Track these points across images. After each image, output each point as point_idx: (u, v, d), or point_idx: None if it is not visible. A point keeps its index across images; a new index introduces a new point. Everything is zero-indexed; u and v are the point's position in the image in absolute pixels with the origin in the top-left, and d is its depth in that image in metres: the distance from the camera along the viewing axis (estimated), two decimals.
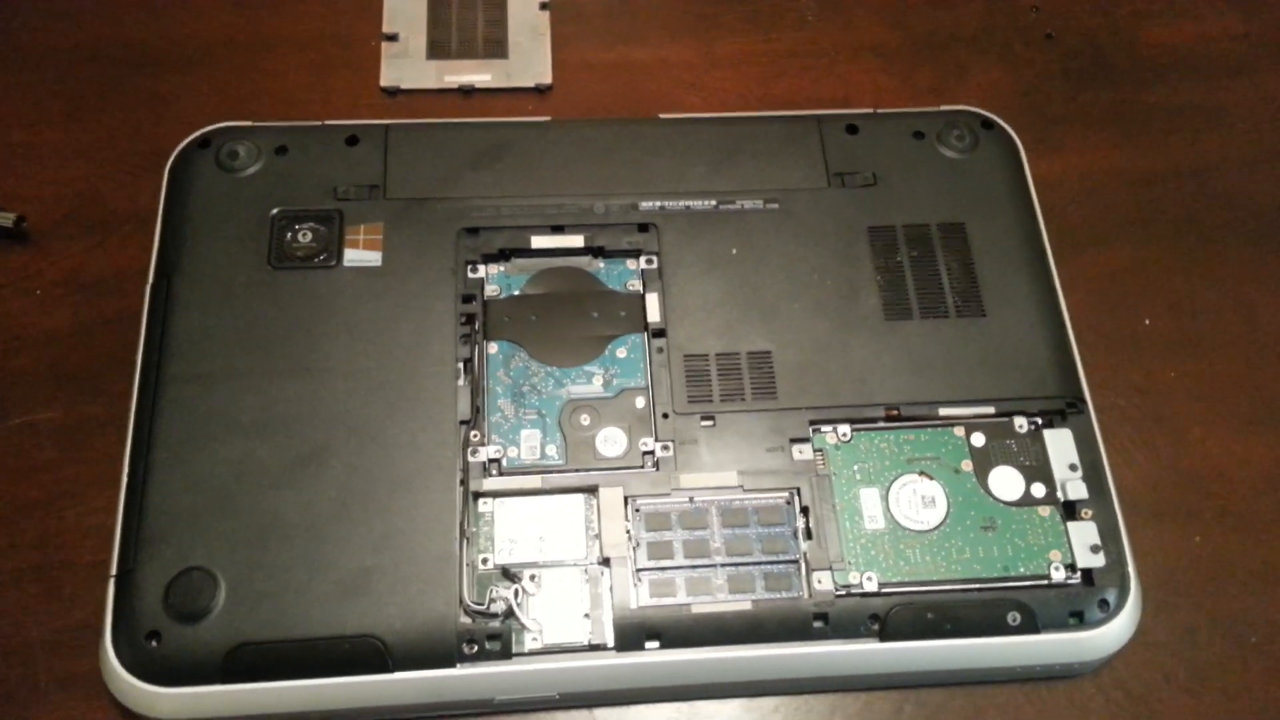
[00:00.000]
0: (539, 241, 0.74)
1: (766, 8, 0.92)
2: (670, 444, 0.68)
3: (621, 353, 0.71)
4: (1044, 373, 0.71)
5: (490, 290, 0.72)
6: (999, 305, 0.73)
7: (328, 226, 0.73)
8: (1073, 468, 0.68)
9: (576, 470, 0.67)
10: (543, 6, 0.90)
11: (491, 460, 0.67)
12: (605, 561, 0.65)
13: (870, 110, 0.81)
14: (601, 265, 0.74)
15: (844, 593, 0.65)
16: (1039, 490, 0.68)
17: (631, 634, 0.63)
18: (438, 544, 0.64)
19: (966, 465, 0.68)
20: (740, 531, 0.66)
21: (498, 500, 0.67)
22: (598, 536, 0.66)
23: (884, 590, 0.65)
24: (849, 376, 0.70)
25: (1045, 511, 0.67)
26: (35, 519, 0.69)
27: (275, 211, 0.73)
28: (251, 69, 0.86)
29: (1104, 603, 0.65)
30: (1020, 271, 0.74)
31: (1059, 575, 0.65)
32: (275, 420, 0.66)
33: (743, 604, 0.64)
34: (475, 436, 0.67)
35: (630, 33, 0.90)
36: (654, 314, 0.72)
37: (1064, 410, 0.70)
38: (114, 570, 0.63)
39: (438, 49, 0.88)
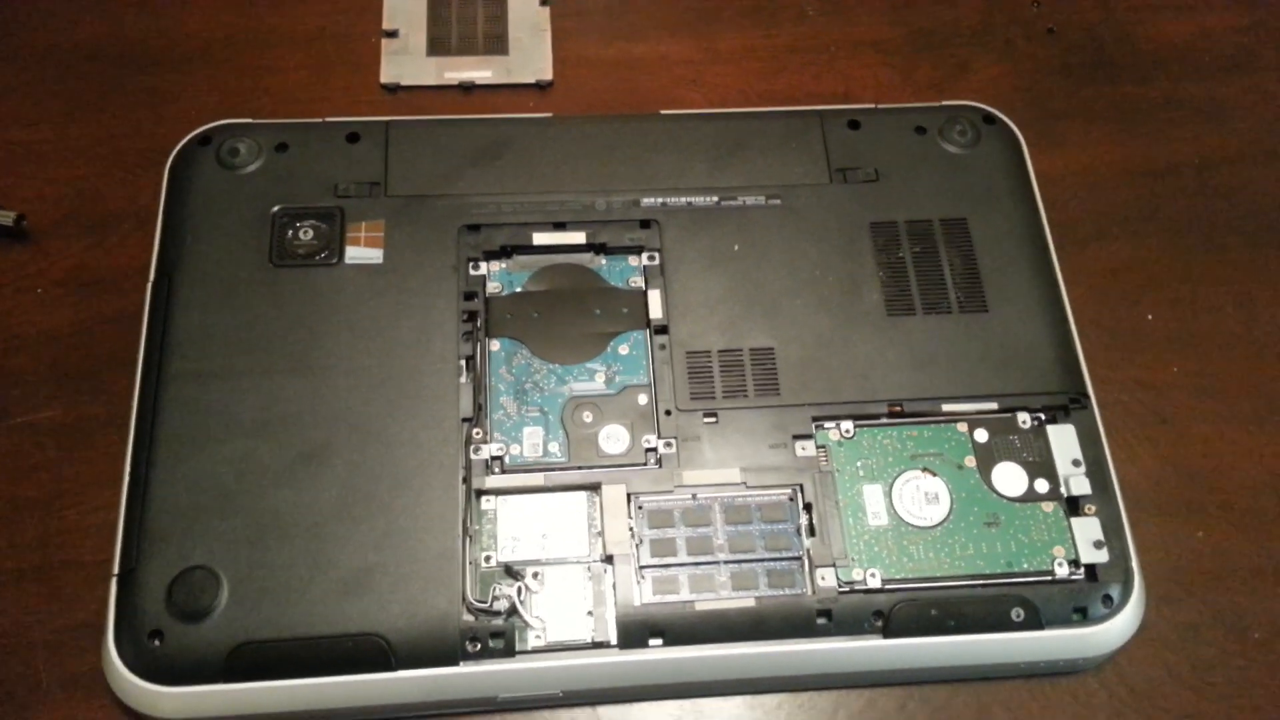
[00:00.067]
0: (540, 238, 0.73)
1: (767, 3, 0.92)
2: (673, 441, 0.68)
3: (624, 349, 0.71)
4: (1047, 368, 0.71)
5: (492, 287, 0.72)
6: (1001, 301, 0.72)
7: (329, 224, 0.72)
8: (1076, 463, 0.68)
9: (579, 468, 0.67)
10: (543, 2, 0.90)
11: (494, 458, 0.67)
12: (608, 559, 0.65)
13: (872, 105, 0.81)
14: (603, 262, 0.74)
15: (847, 589, 0.65)
16: (1042, 486, 0.68)
17: (635, 631, 0.63)
18: (440, 542, 0.64)
19: (970, 461, 0.68)
20: (743, 528, 0.66)
21: (500, 498, 0.66)
22: (600, 534, 0.65)
23: (887, 587, 0.65)
24: (851, 373, 0.70)
25: (1049, 507, 0.67)
26: (36, 518, 0.69)
27: (276, 209, 0.73)
28: (251, 66, 0.86)
29: (1107, 598, 0.65)
30: (1023, 267, 0.74)
31: (1062, 571, 0.65)
32: (277, 418, 0.66)
33: (746, 601, 0.64)
34: (477, 434, 0.67)
35: (631, 28, 0.90)
36: (656, 310, 0.71)
37: (1067, 406, 0.70)
38: (116, 569, 0.63)
39: (438, 45, 0.88)
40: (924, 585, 0.65)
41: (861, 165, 0.77)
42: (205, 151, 0.75)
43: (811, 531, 0.66)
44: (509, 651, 0.62)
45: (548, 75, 0.87)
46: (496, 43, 0.88)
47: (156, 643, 0.61)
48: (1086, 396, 0.70)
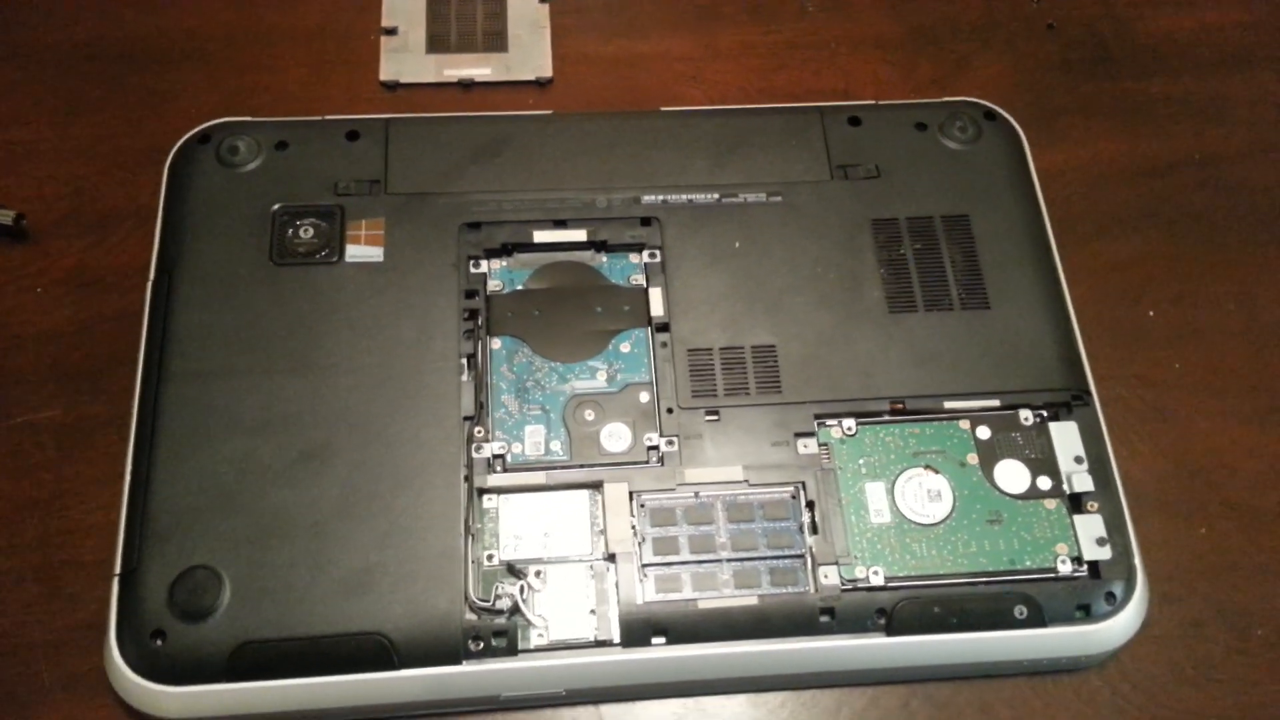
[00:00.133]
0: (541, 236, 0.73)
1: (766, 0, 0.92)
2: (675, 439, 0.68)
3: (625, 347, 0.71)
4: (1049, 365, 0.70)
5: (493, 285, 0.72)
6: (1003, 297, 0.72)
7: (329, 222, 0.72)
8: (1078, 460, 0.68)
9: (581, 466, 0.67)
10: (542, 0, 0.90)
11: (496, 456, 0.67)
12: (611, 557, 0.65)
13: (873, 102, 0.81)
14: (604, 259, 0.74)
15: (850, 587, 0.64)
16: (1045, 483, 0.67)
17: (637, 630, 0.63)
18: (442, 541, 0.64)
19: (972, 458, 0.68)
20: (746, 526, 0.66)
21: (502, 496, 0.66)
22: (603, 532, 0.65)
23: (890, 584, 0.65)
24: (853, 370, 0.70)
25: (1051, 504, 0.67)
26: (36, 518, 0.69)
27: (276, 207, 0.73)
28: (250, 64, 0.86)
29: (1110, 596, 0.65)
30: (1024, 263, 0.74)
31: (1065, 568, 0.65)
32: (278, 417, 0.66)
33: (749, 599, 0.64)
34: (479, 432, 0.67)
35: (630, 25, 0.90)
36: (657, 308, 0.71)
37: (1069, 403, 0.70)
38: (118, 569, 0.63)
39: (437, 43, 0.88)
40: (927, 583, 0.65)
41: (862, 162, 0.77)
42: (205, 150, 0.75)
43: (814, 529, 0.66)
44: (511, 650, 0.62)
45: (547, 72, 0.87)
46: (496, 40, 0.88)
47: (158, 642, 0.61)
48: (1089, 393, 0.70)
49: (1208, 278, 0.81)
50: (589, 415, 0.68)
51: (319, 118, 0.77)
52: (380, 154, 0.75)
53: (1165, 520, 0.72)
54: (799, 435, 0.68)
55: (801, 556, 0.65)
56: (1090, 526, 0.66)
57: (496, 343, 0.70)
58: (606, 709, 0.66)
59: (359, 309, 0.70)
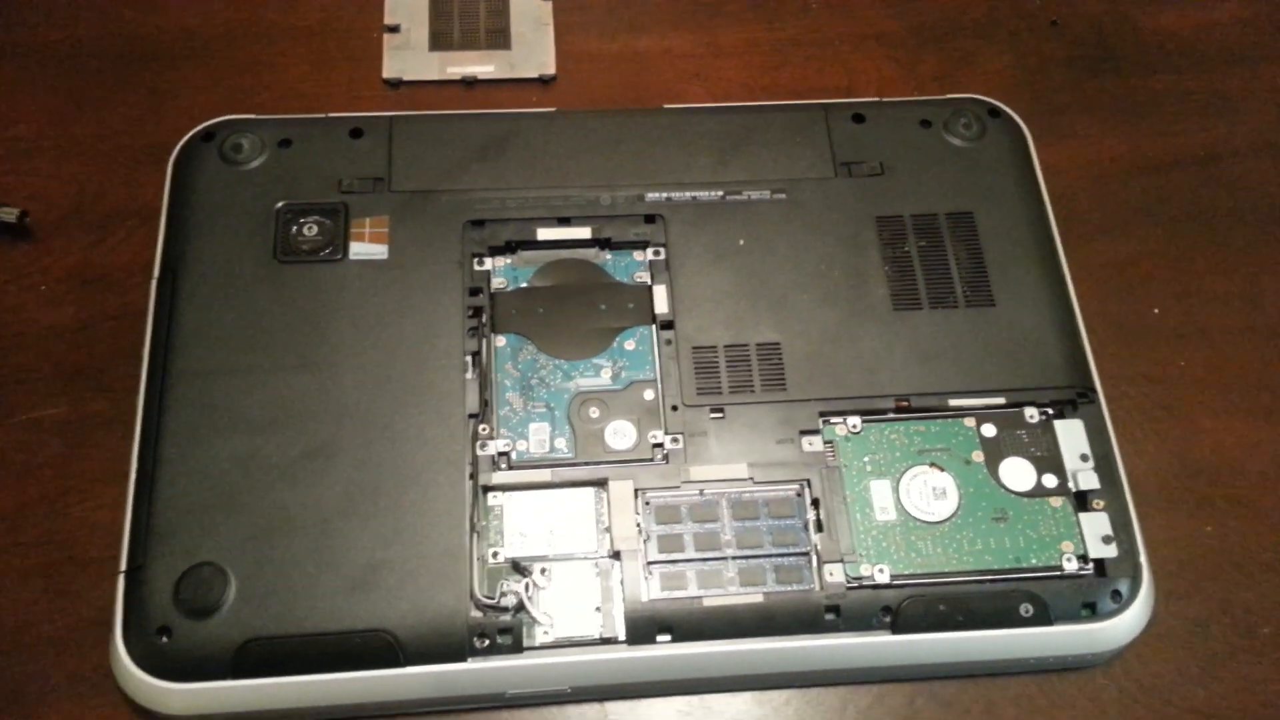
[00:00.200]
0: (545, 233, 0.73)
1: None
2: (680, 436, 0.68)
3: (630, 345, 0.71)
4: (1054, 362, 0.70)
5: (497, 283, 0.72)
6: (1008, 295, 0.72)
7: (333, 220, 0.72)
8: (1084, 458, 0.68)
9: (586, 463, 0.67)
10: None
11: (500, 454, 0.67)
12: (616, 555, 0.65)
13: (876, 99, 0.81)
14: (608, 257, 0.74)
15: (855, 585, 0.64)
16: (1050, 481, 0.67)
17: (643, 627, 0.63)
18: (447, 538, 0.64)
19: (977, 456, 0.68)
20: (751, 524, 0.66)
21: (507, 494, 0.66)
22: (608, 530, 0.65)
23: (896, 582, 0.65)
24: (858, 367, 0.70)
25: (1057, 502, 0.67)
26: (41, 515, 0.69)
27: (280, 205, 0.72)
28: (253, 62, 0.86)
29: (1116, 594, 0.65)
30: (1029, 261, 0.74)
31: (1071, 566, 0.65)
32: (283, 415, 0.66)
33: (754, 597, 0.64)
34: (484, 430, 0.67)
35: (633, 22, 0.90)
36: (662, 306, 0.71)
37: (1075, 400, 0.70)
38: (124, 566, 0.63)
39: (440, 40, 0.87)
40: (932, 581, 0.65)
41: (866, 159, 0.77)
42: (208, 148, 0.75)
43: (819, 527, 0.66)
44: (517, 648, 0.62)
45: (551, 70, 0.87)
46: (499, 37, 0.88)
47: (164, 639, 0.61)
48: (1094, 391, 0.70)
49: (1213, 275, 0.81)
50: (594, 413, 0.68)
51: (322, 115, 0.77)
52: (384, 152, 0.75)
53: (1171, 518, 0.72)
54: (804, 433, 0.68)
55: (806, 554, 0.65)
56: (1096, 524, 0.66)
57: (501, 340, 0.70)
58: (612, 707, 0.66)
59: (363, 307, 0.70)
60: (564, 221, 0.74)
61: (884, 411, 0.69)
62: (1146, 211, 0.83)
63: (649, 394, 0.69)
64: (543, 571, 0.64)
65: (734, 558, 0.65)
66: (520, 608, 0.63)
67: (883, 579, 0.64)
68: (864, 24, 0.91)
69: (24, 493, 0.69)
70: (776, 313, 0.71)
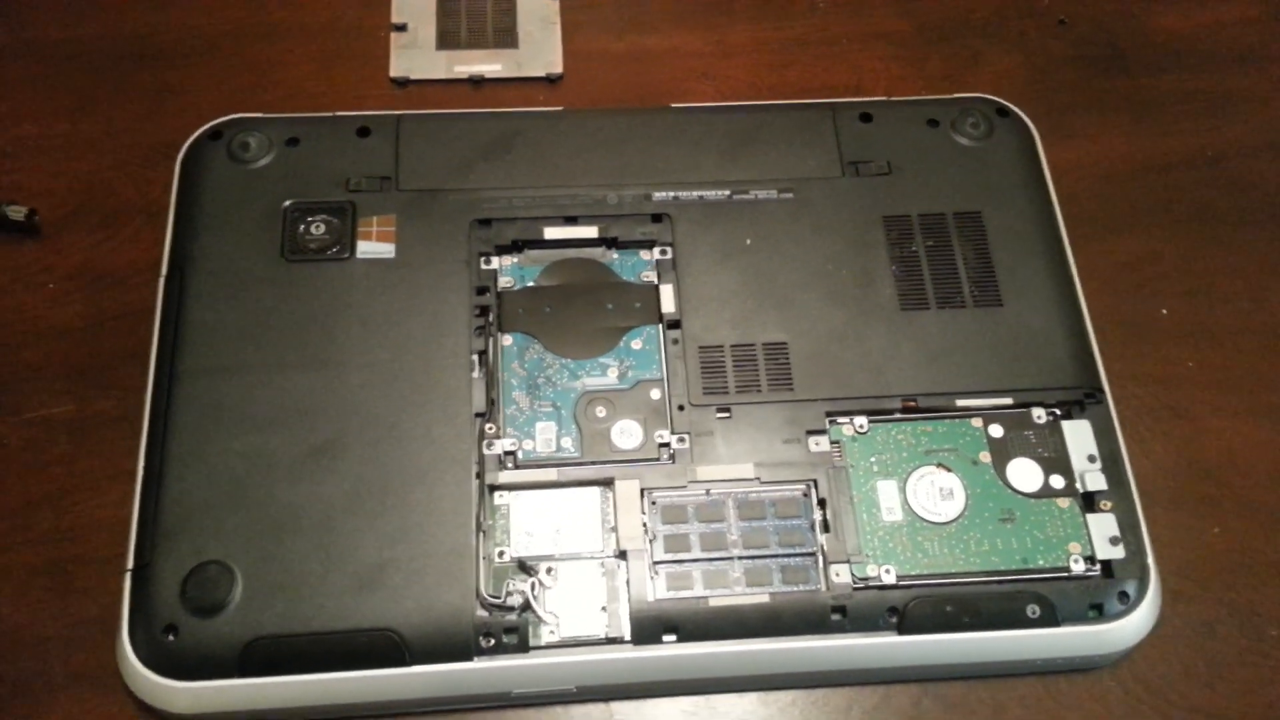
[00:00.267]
0: (552, 233, 0.73)
1: None
2: (686, 436, 0.68)
3: (636, 344, 0.71)
4: (1062, 363, 0.70)
5: (504, 282, 0.72)
6: (1016, 295, 0.72)
7: (340, 218, 0.72)
8: (1091, 459, 0.68)
9: (592, 463, 0.67)
10: None
11: (507, 453, 0.67)
12: (622, 554, 0.65)
13: (884, 98, 0.81)
14: (615, 256, 0.74)
15: (862, 585, 0.64)
16: (1058, 482, 0.67)
17: (648, 627, 0.63)
18: (453, 537, 0.64)
19: (985, 457, 0.68)
20: (757, 524, 0.66)
21: (513, 493, 0.66)
22: (614, 529, 0.65)
23: (902, 583, 0.64)
24: (865, 367, 0.70)
25: (1064, 503, 0.67)
26: (48, 513, 0.69)
27: (287, 204, 0.73)
28: (260, 60, 0.86)
29: (1123, 595, 0.65)
30: (1037, 260, 0.74)
31: (1078, 567, 0.65)
32: (290, 413, 0.66)
33: (760, 597, 0.64)
34: (490, 429, 0.67)
35: (641, 21, 0.90)
36: (668, 305, 0.71)
37: (1082, 401, 0.69)
38: (130, 564, 0.63)
39: (447, 39, 0.87)
40: (939, 581, 0.65)
41: (874, 158, 0.77)
42: (216, 146, 0.75)
43: (825, 527, 0.66)
44: (522, 647, 0.62)
45: (558, 69, 0.87)
46: (506, 36, 0.88)
47: (170, 637, 0.61)
48: (1101, 391, 0.70)
49: (1221, 274, 0.80)
50: (600, 412, 0.68)
51: (330, 114, 0.77)
52: (391, 150, 0.75)
53: (1178, 519, 0.72)
54: (810, 433, 0.68)
55: (813, 554, 0.65)
56: (1103, 525, 0.66)
57: (508, 339, 0.70)
58: (617, 706, 0.66)
59: (370, 305, 0.70)
60: (571, 220, 0.74)
61: (891, 411, 0.69)
62: (1154, 211, 0.83)
63: (655, 393, 0.69)
64: (548, 571, 0.64)
65: (740, 558, 0.65)
66: (526, 607, 0.63)
67: (889, 579, 0.64)
68: (872, 23, 0.91)
69: (31, 490, 0.69)
70: (783, 312, 0.71)
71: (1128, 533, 0.66)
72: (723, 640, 0.63)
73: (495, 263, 0.72)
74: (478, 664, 0.62)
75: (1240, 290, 0.80)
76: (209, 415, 0.66)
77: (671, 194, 0.75)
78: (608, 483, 0.67)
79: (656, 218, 0.74)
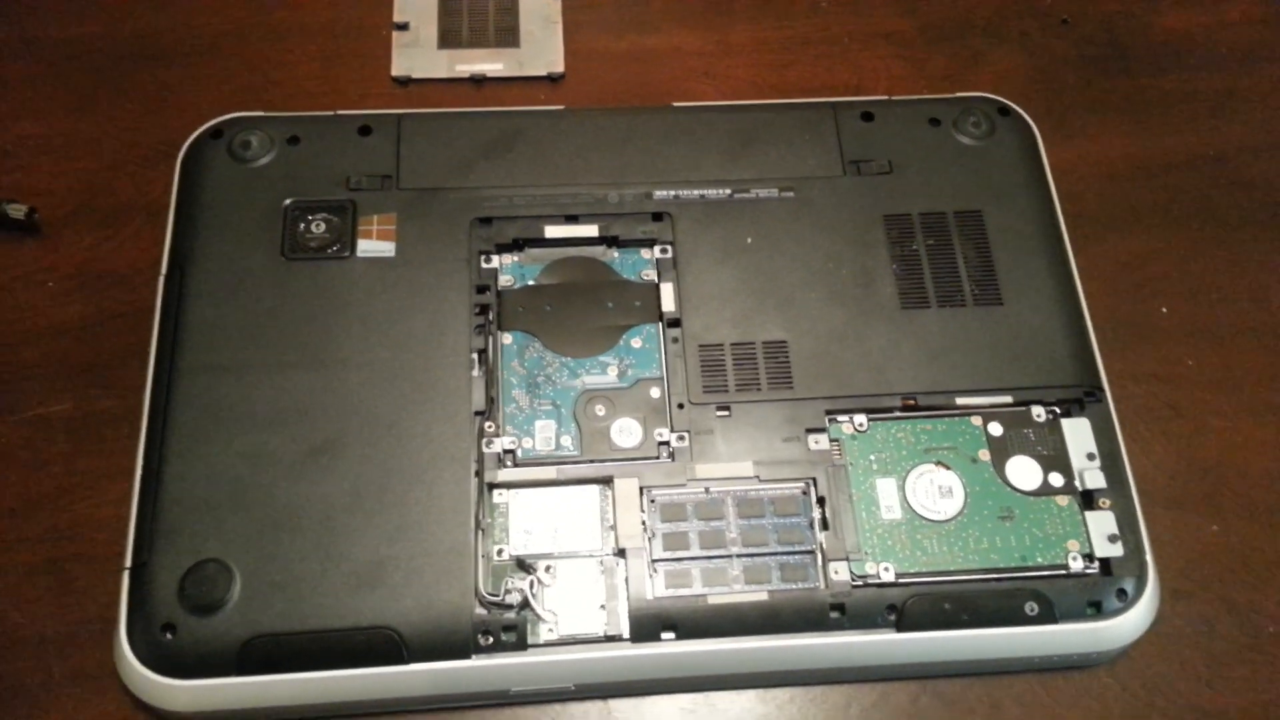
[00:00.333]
0: (553, 231, 0.73)
1: None
2: (685, 434, 0.68)
3: (636, 343, 0.71)
4: (1062, 361, 0.70)
5: (504, 280, 0.72)
6: (1016, 293, 0.72)
7: (341, 217, 0.72)
8: (1090, 457, 0.68)
9: (591, 461, 0.67)
10: None
11: (506, 451, 0.67)
12: (621, 552, 0.65)
13: (885, 97, 0.81)
14: (616, 255, 0.74)
15: (860, 583, 0.64)
16: (1057, 480, 0.67)
17: (647, 625, 0.63)
18: (453, 535, 0.64)
19: (984, 455, 0.68)
20: (756, 522, 0.66)
21: (512, 491, 0.66)
22: (613, 527, 0.65)
23: (901, 581, 0.64)
24: (865, 366, 0.70)
25: (1063, 501, 0.67)
26: (47, 512, 0.69)
27: (288, 202, 0.73)
28: (261, 59, 0.86)
29: (1122, 592, 0.65)
30: (1038, 259, 0.73)
31: (1077, 565, 0.65)
32: (289, 412, 0.66)
33: (759, 595, 0.64)
34: (490, 427, 0.67)
35: (642, 20, 0.90)
36: (669, 304, 0.71)
37: (1082, 399, 0.69)
38: (128, 563, 0.63)
39: (449, 38, 0.88)
40: (937, 579, 0.65)
41: (875, 157, 0.77)
42: (217, 145, 0.75)
43: (825, 525, 0.66)
44: (521, 645, 0.62)
45: (559, 68, 0.87)
46: (508, 35, 0.88)
47: (169, 636, 0.61)
48: (1101, 390, 0.70)
49: (1221, 274, 0.80)
50: (600, 410, 0.68)
51: (331, 113, 0.77)
52: (392, 149, 0.75)
53: (1177, 517, 0.72)
54: (810, 431, 0.68)
55: (812, 552, 0.65)
56: (1102, 523, 0.66)
57: (508, 338, 0.70)
58: (615, 704, 0.66)
59: (370, 304, 0.70)
60: (571, 219, 0.74)
61: (890, 410, 0.69)
62: (1155, 211, 0.83)
63: (655, 392, 0.69)
64: (547, 569, 0.64)
65: (739, 556, 0.65)
66: (525, 605, 0.63)
67: (888, 577, 0.64)
68: (873, 22, 0.91)
69: (30, 489, 0.70)
70: (784, 311, 0.71)
71: (1126, 531, 0.66)
72: (721, 638, 0.63)
73: (496, 261, 0.72)
74: (476, 662, 0.62)
75: (1241, 290, 0.80)
76: (208, 414, 0.66)
77: (672, 193, 0.75)
78: (607, 481, 0.67)
79: (657, 216, 0.74)
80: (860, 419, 0.68)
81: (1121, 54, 0.90)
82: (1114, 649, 0.65)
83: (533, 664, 0.62)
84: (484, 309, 0.70)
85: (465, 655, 0.62)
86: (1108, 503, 0.66)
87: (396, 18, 0.88)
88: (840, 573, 0.64)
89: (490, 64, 0.86)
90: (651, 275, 0.73)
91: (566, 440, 0.68)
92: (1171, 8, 0.92)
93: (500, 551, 0.64)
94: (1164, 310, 0.79)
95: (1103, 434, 0.68)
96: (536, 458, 0.67)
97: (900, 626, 0.63)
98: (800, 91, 0.86)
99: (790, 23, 0.91)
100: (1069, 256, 0.74)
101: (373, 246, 0.72)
